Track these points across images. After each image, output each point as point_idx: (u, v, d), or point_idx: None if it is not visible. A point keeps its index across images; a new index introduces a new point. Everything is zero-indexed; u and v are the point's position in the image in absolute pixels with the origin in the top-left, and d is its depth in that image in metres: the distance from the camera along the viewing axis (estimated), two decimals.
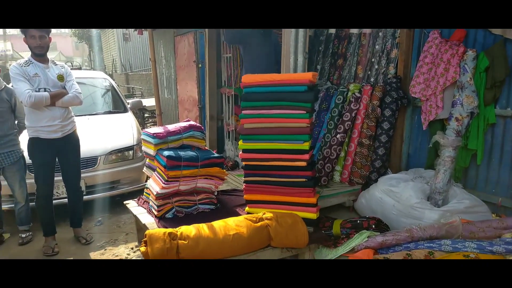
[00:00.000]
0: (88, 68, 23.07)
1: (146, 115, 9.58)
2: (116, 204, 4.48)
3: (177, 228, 2.54)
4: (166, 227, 2.94)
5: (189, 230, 2.48)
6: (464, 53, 3.17)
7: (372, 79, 4.04)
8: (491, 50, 3.06)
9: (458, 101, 3.13)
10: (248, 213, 3.11)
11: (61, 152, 3.52)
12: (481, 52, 3.12)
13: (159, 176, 3.19)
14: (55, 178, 3.63)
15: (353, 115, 3.85)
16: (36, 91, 3.25)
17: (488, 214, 3.04)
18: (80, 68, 9.66)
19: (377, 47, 4.00)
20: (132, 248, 3.57)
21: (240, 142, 3.07)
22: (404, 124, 3.82)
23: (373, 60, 4.05)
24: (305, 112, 2.87)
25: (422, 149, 3.78)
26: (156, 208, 3.12)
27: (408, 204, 3.10)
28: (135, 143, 4.66)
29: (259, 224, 2.60)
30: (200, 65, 5.78)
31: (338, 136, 3.86)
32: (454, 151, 3.11)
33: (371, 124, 3.81)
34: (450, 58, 3.22)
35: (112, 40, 20.95)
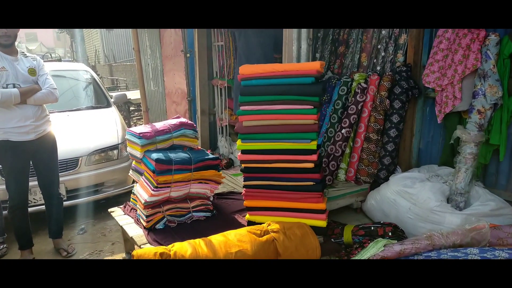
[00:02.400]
0: (70, 59, 22.30)
1: (131, 108, 9.12)
2: (101, 209, 4.12)
3: (170, 246, 2.19)
4: (157, 240, 2.62)
5: (184, 248, 2.13)
6: (485, 37, 2.84)
7: (378, 68, 3.70)
8: None
9: (480, 92, 2.81)
10: (248, 221, 2.78)
11: (35, 155, 3.13)
12: (504, 36, 2.81)
13: (147, 182, 2.83)
14: (31, 183, 3.25)
15: (359, 107, 3.51)
16: (3, 88, 2.85)
17: None
18: (60, 60, 9.12)
19: (383, 32, 3.65)
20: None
21: (239, 142, 2.72)
22: (414, 116, 3.51)
23: (379, 46, 3.71)
24: (312, 107, 2.54)
25: (434, 144, 3.47)
26: (144, 218, 2.77)
27: (426, 208, 2.79)
28: (120, 141, 4.27)
29: (264, 238, 2.27)
30: (188, 55, 5.37)
31: (343, 131, 3.53)
32: (476, 147, 2.80)
33: (379, 117, 3.48)
34: (469, 43, 2.89)
35: (94, 29, 20.19)
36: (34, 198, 3.65)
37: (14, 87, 2.90)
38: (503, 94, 2.81)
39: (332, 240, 2.81)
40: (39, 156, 3.14)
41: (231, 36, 4.76)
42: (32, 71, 3.04)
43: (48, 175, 3.26)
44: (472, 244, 2.50)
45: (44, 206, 3.42)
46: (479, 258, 2.34)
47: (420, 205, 2.84)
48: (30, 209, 3.31)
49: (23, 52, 3.13)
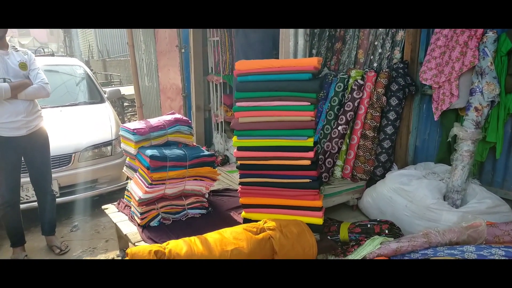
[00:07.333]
0: (63, 54, 22.06)
1: (125, 104, 9.04)
2: (94, 206, 4.07)
3: (165, 244, 2.15)
4: (151, 238, 2.58)
5: (179, 246, 2.10)
6: (483, 34, 2.83)
7: (375, 65, 3.68)
8: None
9: (477, 89, 2.80)
10: (244, 219, 2.75)
11: (27, 151, 3.08)
12: (502, 33, 2.79)
13: (142, 179, 2.80)
14: (23, 180, 3.20)
15: (355, 104, 3.49)
16: None
17: (510, 214, 2.76)
18: (52, 55, 9.00)
19: (380, 29, 3.63)
20: (113, 258, 3.17)
21: (235, 139, 2.69)
22: (411, 113, 3.49)
23: (376, 43, 3.68)
24: (309, 103, 2.51)
25: (430, 141, 3.46)
26: (139, 215, 2.73)
27: (423, 205, 2.78)
28: (113, 137, 4.22)
29: (261, 236, 2.24)
30: (183, 50, 5.32)
31: (339, 128, 3.51)
32: (473, 144, 2.79)
33: (375, 114, 3.46)
34: (467, 40, 2.88)
35: None
36: (26, 195, 3.59)
37: (4, 81, 2.85)
38: (500, 91, 2.80)
39: (329, 237, 2.79)
40: (31, 152, 3.09)
41: (226, 32, 4.72)
42: (23, 66, 2.98)
43: (40, 172, 3.21)
44: (469, 242, 2.49)
45: (36, 202, 3.37)
46: (475, 256, 2.33)
47: (417, 202, 2.83)
48: (22, 206, 3.27)
49: (14, 46, 3.06)
